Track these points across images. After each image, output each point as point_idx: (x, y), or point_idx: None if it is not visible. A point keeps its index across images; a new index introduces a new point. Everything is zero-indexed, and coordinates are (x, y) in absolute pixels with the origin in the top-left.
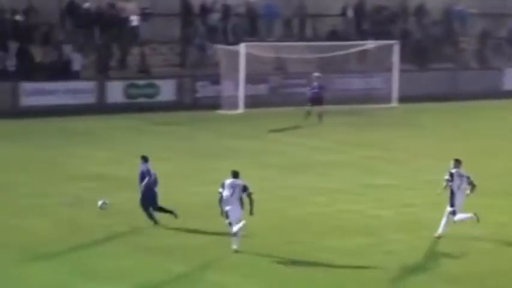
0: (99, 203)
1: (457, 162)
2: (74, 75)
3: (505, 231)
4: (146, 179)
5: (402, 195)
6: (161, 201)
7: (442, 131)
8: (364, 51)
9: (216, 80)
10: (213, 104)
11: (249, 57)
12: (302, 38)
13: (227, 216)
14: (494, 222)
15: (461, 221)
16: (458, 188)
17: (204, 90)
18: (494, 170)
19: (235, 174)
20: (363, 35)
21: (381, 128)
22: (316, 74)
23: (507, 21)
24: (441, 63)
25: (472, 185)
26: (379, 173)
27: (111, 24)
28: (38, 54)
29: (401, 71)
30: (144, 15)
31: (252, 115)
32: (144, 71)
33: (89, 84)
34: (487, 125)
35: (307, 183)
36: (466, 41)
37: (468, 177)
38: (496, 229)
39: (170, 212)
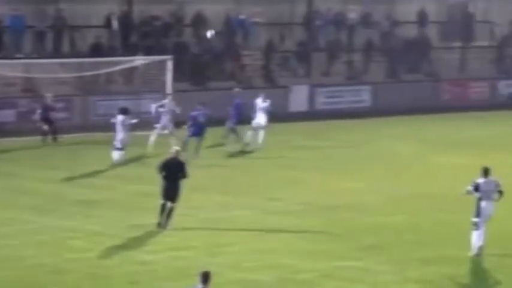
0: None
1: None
2: None
3: None
4: None
5: (176, 237)
6: None
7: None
8: (133, 69)
9: None
10: None
11: None
12: (58, 54)
13: None
14: None
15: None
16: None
17: None
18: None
19: None
20: (131, 50)
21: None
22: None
23: (294, 31)
24: (222, 81)
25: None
26: (149, 211)
27: None
28: None
29: (176, 91)
30: None
31: None
32: None
33: None
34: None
35: (63, 226)
36: (250, 56)
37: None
38: None
39: None
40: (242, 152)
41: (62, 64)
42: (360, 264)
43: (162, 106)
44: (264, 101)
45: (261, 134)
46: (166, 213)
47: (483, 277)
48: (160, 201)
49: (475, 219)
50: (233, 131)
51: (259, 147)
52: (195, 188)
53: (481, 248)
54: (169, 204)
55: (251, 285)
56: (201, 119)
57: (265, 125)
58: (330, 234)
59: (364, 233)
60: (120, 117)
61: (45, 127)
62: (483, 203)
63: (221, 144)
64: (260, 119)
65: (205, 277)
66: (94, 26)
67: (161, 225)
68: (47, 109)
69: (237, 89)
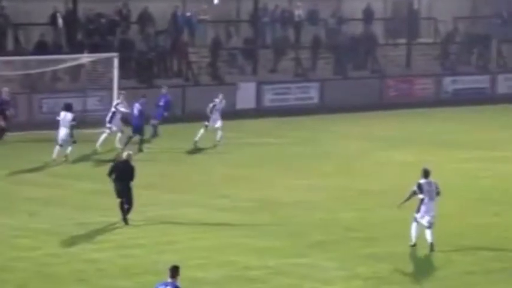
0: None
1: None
2: None
3: None
4: None
5: (124, 235)
6: None
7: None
8: (79, 66)
9: None
10: None
11: None
12: (1, 52)
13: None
14: None
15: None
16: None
17: None
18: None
19: None
20: (77, 48)
21: (103, 157)
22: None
23: (241, 28)
24: (168, 79)
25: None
26: (96, 209)
27: None
28: None
29: (122, 88)
30: None
31: None
32: None
33: None
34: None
35: (10, 224)
36: (196, 53)
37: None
38: None
39: None
40: (192, 150)
41: (7, 62)
42: (309, 260)
43: (117, 110)
44: (221, 101)
45: (219, 132)
46: (125, 211)
47: (431, 273)
48: (117, 200)
49: (415, 215)
50: (154, 127)
51: (218, 144)
52: (142, 185)
53: (432, 246)
54: (126, 206)
55: (200, 283)
56: (136, 112)
57: (220, 126)
58: (279, 231)
59: (313, 229)
60: (62, 114)
61: (2, 122)
62: (425, 203)
63: (148, 141)
64: (216, 120)
65: (174, 271)
66: (38, 23)
67: (125, 221)
68: (2, 103)
69: (165, 88)
